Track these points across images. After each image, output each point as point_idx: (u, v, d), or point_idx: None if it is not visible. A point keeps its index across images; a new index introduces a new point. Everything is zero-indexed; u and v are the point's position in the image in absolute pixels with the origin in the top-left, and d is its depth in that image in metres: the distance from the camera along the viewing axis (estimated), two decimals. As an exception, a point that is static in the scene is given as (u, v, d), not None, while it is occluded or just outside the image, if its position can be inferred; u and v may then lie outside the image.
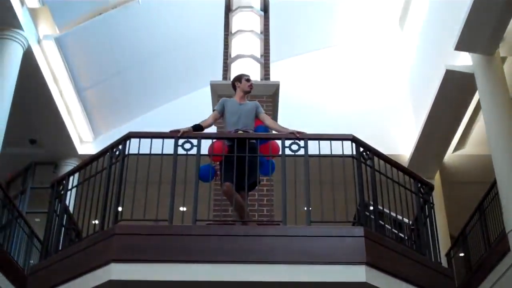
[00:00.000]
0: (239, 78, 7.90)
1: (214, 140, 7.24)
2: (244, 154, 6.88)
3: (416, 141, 14.73)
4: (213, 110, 7.83)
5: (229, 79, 10.30)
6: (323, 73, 16.73)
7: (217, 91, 9.76)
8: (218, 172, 7.43)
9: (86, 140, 15.90)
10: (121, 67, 15.45)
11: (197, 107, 15.43)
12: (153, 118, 16.03)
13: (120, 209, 6.64)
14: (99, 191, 6.86)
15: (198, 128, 7.32)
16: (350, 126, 14.80)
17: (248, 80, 7.87)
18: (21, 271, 11.57)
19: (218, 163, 7.33)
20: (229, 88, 9.51)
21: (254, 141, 7.25)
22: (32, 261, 12.19)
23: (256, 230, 6.57)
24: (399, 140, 15.62)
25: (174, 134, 6.99)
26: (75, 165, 15.03)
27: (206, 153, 7.06)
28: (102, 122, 16.00)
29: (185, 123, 14.38)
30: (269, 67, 10.58)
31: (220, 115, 7.68)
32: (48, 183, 15.07)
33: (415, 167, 13.62)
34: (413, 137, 15.26)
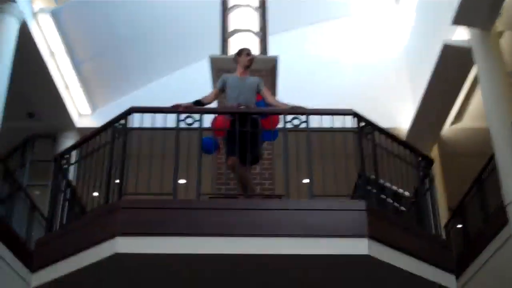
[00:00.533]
0: (239, 52, 7.89)
1: (216, 115, 7.27)
2: (246, 129, 6.91)
3: (414, 114, 14.81)
4: (214, 88, 7.85)
5: (228, 53, 10.30)
6: (321, 47, 16.75)
7: (216, 65, 9.76)
8: (221, 146, 7.47)
9: (84, 113, 15.93)
10: (118, 40, 15.42)
11: (195, 80, 15.48)
12: (152, 91, 16.06)
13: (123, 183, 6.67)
14: (102, 165, 6.89)
15: (198, 103, 7.35)
16: (348, 99, 14.77)
17: (248, 54, 7.85)
18: (24, 244, 11.65)
19: (221, 137, 7.36)
20: (228, 62, 9.56)
21: (255, 115, 7.29)
22: (33, 234, 12.26)
23: (259, 203, 6.61)
24: (397, 113, 15.69)
25: (176, 108, 7.01)
26: (74, 138, 15.29)
27: (208, 127, 7.10)
28: (100, 95, 16.02)
29: (184, 96, 14.34)
30: (267, 42, 10.56)
31: (221, 92, 7.70)
32: (47, 156, 15.30)
33: (413, 140, 13.67)
34: (411, 110, 15.33)
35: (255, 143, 7.03)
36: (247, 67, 7.81)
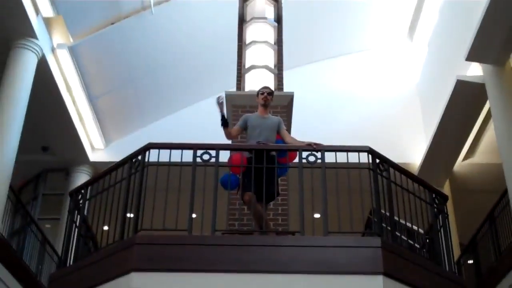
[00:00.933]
0: (257, 92, 8.01)
1: (232, 152, 7.34)
2: (263, 165, 6.95)
3: (426, 150, 14.79)
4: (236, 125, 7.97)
5: (244, 89, 10.38)
6: (335, 82, 16.90)
7: (232, 101, 9.82)
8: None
9: (97, 147, 16.00)
10: (133, 75, 15.57)
11: (210, 115, 15.53)
12: (165, 126, 16.17)
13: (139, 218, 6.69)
14: (118, 201, 6.93)
15: (225, 121, 7.63)
16: (361, 134, 15.07)
17: (262, 93, 7.95)
18: (34, 277, 11.64)
19: (238, 174, 7.38)
20: (244, 99, 9.66)
21: (273, 153, 7.33)
22: (41, 267, 12.25)
23: (274, 240, 6.63)
24: (409, 148, 15.68)
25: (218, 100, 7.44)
26: (86, 172, 15.37)
27: (224, 163, 7.15)
28: (113, 129, 16.10)
29: (196, 131, 14.63)
30: (282, 78, 10.64)
31: (242, 130, 7.80)
32: (60, 190, 15.32)
33: (424, 175, 13.64)
34: (423, 145, 15.33)
35: (272, 180, 7.06)
36: (265, 106, 7.90)
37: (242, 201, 7.25)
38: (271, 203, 7.67)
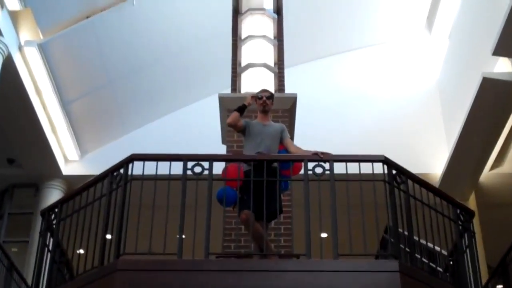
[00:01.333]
0: (255, 97, 7.98)
1: (228, 164, 7.35)
2: (262, 178, 6.96)
3: (448, 159, 14.80)
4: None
5: (239, 91, 10.39)
6: (343, 80, 16.92)
7: (226, 105, 9.83)
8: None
9: (71, 159, 15.99)
10: (112, 76, 15.56)
11: (199, 120, 15.67)
12: (149, 134, 16.17)
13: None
14: (97, 220, 6.94)
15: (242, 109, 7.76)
16: (374, 140, 15.12)
17: (260, 98, 7.91)
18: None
19: (236, 188, 7.38)
20: (240, 101, 9.58)
21: (275, 165, 7.34)
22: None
23: (276, 264, 6.63)
24: (429, 156, 15.71)
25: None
26: (59, 188, 15.36)
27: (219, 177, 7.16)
28: (90, 139, 16.10)
29: (186, 140, 14.62)
30: (283, 77, 10.63)
31: (243, 128, 7.75)
32: (28, 208, 15.29)
33: (446, 188, 13.65)
34: (445, 153, 15.35)
35: (273, 195, 7.06)
36: (264, 112, 7.88)
37: (240, 220, 7.25)
38: (273, 222, 7.65)
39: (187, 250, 6.64)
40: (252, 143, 7.66)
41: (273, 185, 7.19)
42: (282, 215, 8.20)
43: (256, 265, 6.61)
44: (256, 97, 7.93)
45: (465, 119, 13.74)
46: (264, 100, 7.86)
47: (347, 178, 6.92)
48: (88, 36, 14.48)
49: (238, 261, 6.96)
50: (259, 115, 7.94)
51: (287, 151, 7.75)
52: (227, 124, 7.87)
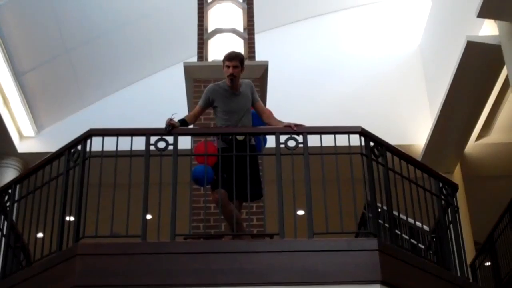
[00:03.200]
0: (223, 60, 7.72)
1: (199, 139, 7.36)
2: (232, 153, 7.00)
3: (431, 129, 14.87)
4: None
5: (206, 59, 10.36)
6: (317, 47, 16.84)
7: (192, 74, 9.81)
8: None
9: (27, 135, 15.85)
10: (69, 44, 15.42)
11: (163, 91, 15.60)
12: (109, 108, 16.07)
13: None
14: (54, 201, 6.92)
15: (184, 124, 7.35)
16: (351, 111, 15.17)
17: (227, 66, 7.57)
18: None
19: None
20: (207, 70, 9.64)
21: (253, 142, 7.37)
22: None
23: (248, 245, 6.65)
24: (411, 127, 15.78)
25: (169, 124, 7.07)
26: (14, 167, 15.25)
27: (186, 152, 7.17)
28: (46, 113, 15.96)
29: (149, 113, 14.57)
30: (254, 43, 10.63)
31: (203, 111, 7.69)
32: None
33: (430, 160, 13.81)
34: (428, 123, 15.43)
35: (255, 176, 7.11)
36: (233, 81, 7.58)
37: (212, 200, 7.28)
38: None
39: (152, 231, 6.66)
40: (223, 119, 7.55)
41: (253, 164, 7.22)
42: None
43: (227, 246, 6.63)
44: (225, 64, 7.61)
45: (449, 86, 13.80)
46: (231, 73, 7.53)
47: (322, 151, 6.96)
48: (43, 0, 14.31)
49: (208, 242, 6.98)
50: (228, 82, 7.64)
51: (259, 116, 7.72)
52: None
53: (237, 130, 7.36)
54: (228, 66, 7.57)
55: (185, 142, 7.49)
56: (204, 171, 7.09)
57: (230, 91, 7.60)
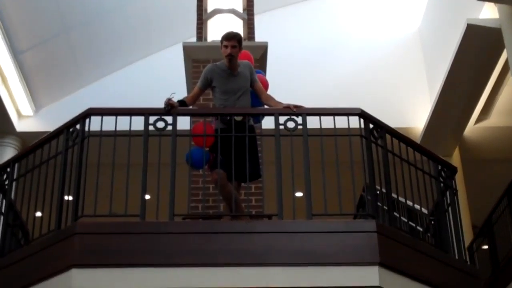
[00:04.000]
0: (221, 41, 7.70)
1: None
2: (231, 134, 7.01)
3: (431, 111, 14.89)
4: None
5: (205, 39, 10.35)
6: (316, 28, 16.81)
7: (191, 55, 9.80)
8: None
9: (25, 114, 15.84)
10: (67, 23, 15.36)
11: (162, 71, 15.59)
12: (108, 87, 16.06)
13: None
14: (53, 180, 6.93)
15: (183, 104, 7.35)
16: (350, 92, 15.18)
17: (226, 46, 7.57)
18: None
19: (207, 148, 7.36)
20: (206, 51, 9.63)
21: (251, 122, 7.37)
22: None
23: (246, 226, 6.68)
24: (410, 109, 15.78)
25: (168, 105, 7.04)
26: (13, 146, 15.26)
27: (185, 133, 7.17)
28: (44, 92, 15.95)
29: (148, 93, 14.56)
30: (253, 24, 10.62)
31: (202, 92, 7.70)
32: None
33: (429, 143, 13.80)
34: (427, 106, 15.45)
35: (252, 156, 7.12)
36: (231, 61, 7.60)
37: (211, 180, 7.28)
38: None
39: (151, 211, 6.68)
40: (222, 99, 7.54)
41: (252, 144, 7.23)
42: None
43: (225, 227, 6.65)
44: (223, 44, 7.61)
45: (448, 68, 13.80)
46: (229, 52, 7.55)
47: (321, 133, 6.95)
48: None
49: (206, 222, 7.01)
50: (227, 63, 7.64)
51: (256, 96, 7.72)
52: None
53: (235, 110, 7.37)
54: (226, 46, 7.56)
55: (184, 123, 7.49)
56: (200, 154, 7.12)
57: (228, 71, 7.59)
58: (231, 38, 7.61)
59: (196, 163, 7.27)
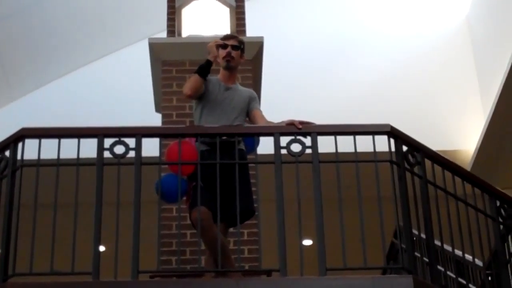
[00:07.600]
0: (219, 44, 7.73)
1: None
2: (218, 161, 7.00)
3: (484, 128, 14.92)
4: None
5: (179, 34, 10.34)
6: (333, 19, 16.86)
7: (159, 54, 9.80)
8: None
9: None
10: (3, 11, 15.39)
11: (121, 77, 15.62)
12: (47, 100, 16.09)
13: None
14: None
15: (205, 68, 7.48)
16: (376, 104, 15.14)
17: (224, 46, 7.67)
18: None
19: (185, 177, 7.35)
20: (180, 50, 9.64)
21: (242, 146, 7.41)
22: None
23: (238, 285, 6.65)
24: (454, 127, 15.83)
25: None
26: None
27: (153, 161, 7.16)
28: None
29: (103, 108, 14.60)
30: (244, 14, 10.64)
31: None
32: None
33: (482, 171, 13.81)
34: (479, 121, 15.46)
35: (243, 188, 7.10)
36: (229, 68, 7.70)
37: (190, 221, 7.26)
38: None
39: (107, 267, 6.65)
40: (209, 117, 7.58)
41: (243, 173, 7.22)
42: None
43: (209, 287, 6.61)
44: (219, 44, 7.68)
45: (507, 72, 13.82)
46: (228, 51, 7.66)
47: (337, 158, 6.94)
48: None
49: (182, 281, 6.98)
50: (222, 73, 7.76)
51: (252, 122, 7.75)
52: (185, 95, 7.59)
53: (220, 129, 7.32)
54: (224, 46, 7.66)
55: (151, 146, 7.45)
56: (174, 183, 7.09)
57: (223, 84, 7.70)
58: (231, 37, 7.84)
59: (168, 194, 7.22)
